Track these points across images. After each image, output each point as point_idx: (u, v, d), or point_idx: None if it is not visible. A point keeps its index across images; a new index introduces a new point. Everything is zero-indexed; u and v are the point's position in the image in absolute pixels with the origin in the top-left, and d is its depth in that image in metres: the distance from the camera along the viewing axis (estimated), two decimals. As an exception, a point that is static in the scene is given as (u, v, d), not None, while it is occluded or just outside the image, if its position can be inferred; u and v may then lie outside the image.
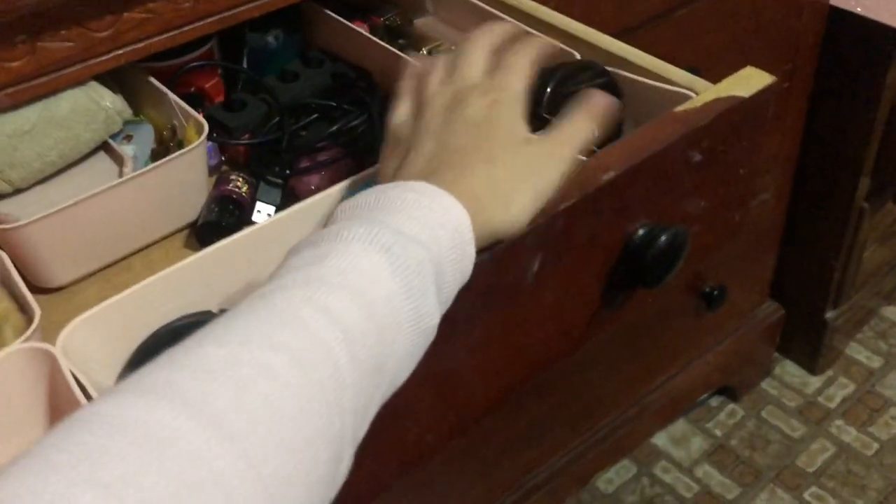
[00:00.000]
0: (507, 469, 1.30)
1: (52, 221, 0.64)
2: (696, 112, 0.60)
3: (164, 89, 0.74)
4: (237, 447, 0.34)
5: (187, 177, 0.70)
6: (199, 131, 0.70)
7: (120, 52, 0.69)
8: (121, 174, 0.73)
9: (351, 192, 0.64)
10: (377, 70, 0.81)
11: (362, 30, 0.83)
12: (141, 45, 0.69)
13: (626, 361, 1.39)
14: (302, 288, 0.42)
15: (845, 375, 1.73)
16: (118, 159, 0.75)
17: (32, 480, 0.31)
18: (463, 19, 0.83)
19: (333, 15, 0.84)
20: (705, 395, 1.66)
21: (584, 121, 0.55)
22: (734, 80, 0.63)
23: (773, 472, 1.58)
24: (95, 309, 0.56)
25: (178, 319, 0.58)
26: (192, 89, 0.81)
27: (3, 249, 0.64)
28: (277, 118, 0.77)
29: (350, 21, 0.84)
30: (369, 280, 0.43)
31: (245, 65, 0.85)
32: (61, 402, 0.54)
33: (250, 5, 0.74)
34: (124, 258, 0.71)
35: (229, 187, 0.72)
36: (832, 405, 1.68)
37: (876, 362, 1.74)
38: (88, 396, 0.52)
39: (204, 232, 0.71)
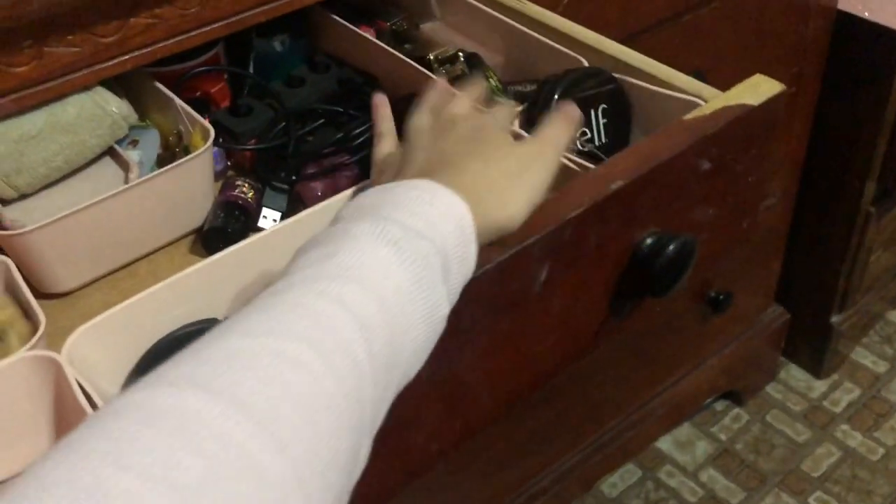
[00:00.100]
0: (512, 473, 1.30)
1: (58, 227, 0.64)
2: (704, 120, 0.60)
3: (171, 94, 0.74)
4: (266, 431, 0.35)
5: (193, 182, 0.70)
6: (206, 137, 0.70)
7: (126, 57, 0.68)
8: (126, 179, 0.73)
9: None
10: (384, 75, 0.81)
11: (369, 35, 0.83)
12: (147, 50, 0.69)
13: (631, 366, 1.39)
14: (315, 283, 0.42)
15: (851, 380, 1.72)
16: (124, 164, 0.74)
17: (70, 467, 0.31)
18: (469, 24, 0.83)
19: (340, 20, 0.83)
20: (710, 400, 1.66)
21: (563, 126, 0.57)
22: (743, 87, 0.62)
23: (778, 476, 1.57)
24: (100, 317, 0.56)
25: (184, 327, 0.58)
26: (199, 94, 0.80)
27: (8, 255, 0.64)
28: (283, 123, 0.77)
29: (356, 26, 0.83)
30: (380, 274, 0.44)
31: (251, 70, 0.84)
32: (66, 409, 0.54)
33: (257, 10, 0.73)
34: (130, 264, 0.71)
35: (235, 193, 0.71)
36: (837, 410, 1.67)
37: (881, 367, 1.74)
38: (93, 404, 0.51)
39: (209, 237, 0.70)
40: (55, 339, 0.57)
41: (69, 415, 0.54)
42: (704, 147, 0.59)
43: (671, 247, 0.58)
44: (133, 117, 0.74)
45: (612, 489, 1.57)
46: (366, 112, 0.77)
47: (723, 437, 1.64)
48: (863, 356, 1.76)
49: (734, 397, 1.68)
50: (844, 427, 1.64)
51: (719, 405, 1.69)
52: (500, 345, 0.57)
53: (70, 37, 0.65)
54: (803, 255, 1.58)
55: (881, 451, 1.60)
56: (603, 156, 0.65)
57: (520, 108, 0.65)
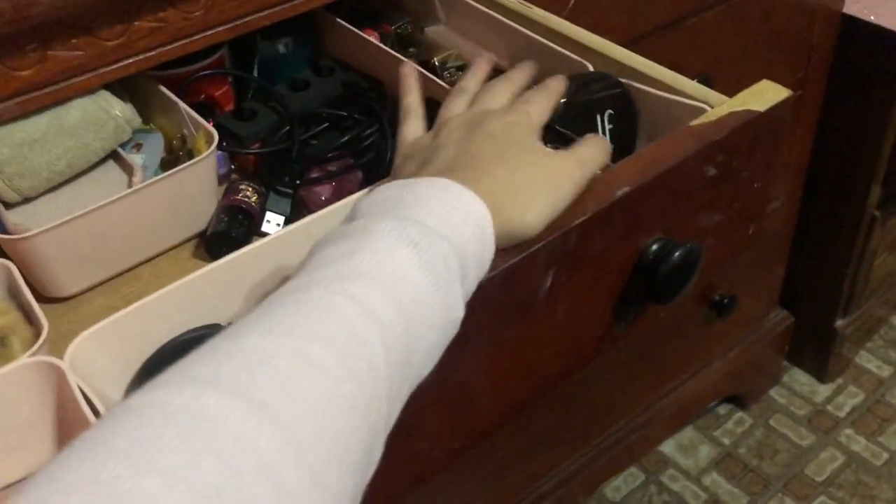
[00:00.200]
0: (515, 477, 1.30)
1: (61, 231, 0.63)
2: (710, 126, 0.59)
3: (175, 98, 0.74)
4: (285, 433, 0.35)
5: (197, 187, 0.70)
6: (209, 141, 0.69)
7: (130, 60, 0.68)
8: (130, 183, 0.73)
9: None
10: (388, 79, 0.80)
11: (373, 38, 0.83)
12: (151, 53, 0.69)
13: (634, 369, 1.38)
14: (336, 282, 0.42)
15: (855, 384, 1.72)
16: (127, 168, 0.74)
17: (90, 468, 0.32)
18: (474, 28, 0.82)
19: (344, 24, 0.83)
20: (713, 403, 1.65)
21: (599, 150, 0.57)
22: (749, 93, 0.62)
23: (782, 481, 1.57)
24: (103, 322, 0.55)
25: (187, 333, 0.58)
26: (203, 97, 0.80)
27: (11, 259, 0.63)
28: (288, 127, 0.77)
29: (361, 30, 0.83)
30: (399, 274, 0.44)
31: (256, 73, 0.84)
32: (69, 415, 0.54)
33: (261, 14, 0.73)
34: (133, 268, 0.71)
35: (239, 197, 0.71)
36: (841, 414, 1.67)
37: (886, 371, 1.73)
38: (96, 411, 0.51)
39: (213, 242, 0.70)
40: (58, 344, 0.57)
41: (72, 421, 0.53)
42: (710, 153, 0.59)
43: (677, 253, 0.58)
44: (137, 121, 0.74)
45: (615, 493, 1.57)
46: (371, 116, 0.77)
47: (726, 441, 1.64)
48: (867, 360, 1.75)
49: (738, 401, 1.68)
50: (848, 431, 1.64)
51: (723, 409, 1.69)
52: (504, 351, 0.57)
53: (74, 40, 0.64)
54: (808, 259, 1.57)
55: (885, 455, 1.59)
56: (609, 162, 0.65)
57: (562, 99, 0.63)
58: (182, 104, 0.73)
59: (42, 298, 0.67)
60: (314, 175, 0.73)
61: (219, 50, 0.81)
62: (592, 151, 0.56)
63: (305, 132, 0.77)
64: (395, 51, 0.81)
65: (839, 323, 1.63)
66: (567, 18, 0.76)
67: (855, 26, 1.29)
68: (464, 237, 0.47)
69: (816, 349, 1.69)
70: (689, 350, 1.48)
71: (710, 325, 1.44)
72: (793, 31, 1.24)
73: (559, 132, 0.61)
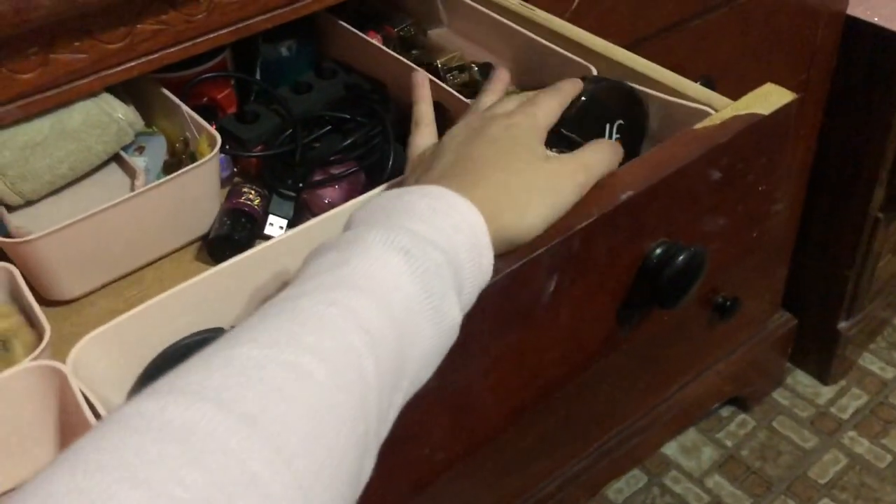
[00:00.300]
0: (517, 479, 1.30)
1: (64, 235, 0.63)
2: (715, 130, 0.59)
3: (177, 101, 0.74)
4: (272, 445, 0.35)
5: (199, 190, 0.70)
6: (212, 144, 0.69)
7: (132, 63, 0.68)
8: (132, 186, 0.72)
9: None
10: (391, 81, 0.80)
11: (376, 41, 0.83)
12: (154, 56, 0.69)
13: (637, 372, 1.38)
14: (326, 292, 0.42)
15: (858, 386, 1.71)
16: (130, 171, 0.74)
17: (76, 480, 0.31)
18: (477, 30, 0.82)
19: (347, 26, 0.83)
20: (716, 405, 1.65)
21: (605, 155, 0.56)
22: (753, 96, 0.62)
23: (785, 483, 1.57)
24: (105, 326, 0.55)
25: (189, 337, 0.58)
26: (205, 100, 0.80)
27: (13, 263, 0.63)
28: (290, 130, 0.77)
29: (364, 32, 0.83)
30: (389, 283, 0.44)
31: (258, 76, 0.84)
32: (71, 419, 0.54)
33: (263, 17, 0.73)
34: (135, 271, 0.71)
35: (241, 200, 0.71)
36: (845, 416, 1.66)
37: (889, 373, 1.73)
38: (98, 415, 0.51)
39: (215, 245, 0.70)
40: (60, 347, 0.57)
41: (74, 425, 0.53)
42: (715, 157, 0.59)
43: (681, 257, 0.58)
44: (139, 124, 0.74)
45: (617, 495, 1.56)
46: (373, 118, 0.76)
47: (729, 443, 1.63)
48: (870, 362, 1.75)
49: (740, 403, 1.68)
50: (852, 433, 1.63)
51: (725, 411, 1.68)
52: (506, 356, 0.56)
53: (76, 43, 0.64)
54: (811, 261, 1.57)
55: (889, 457, 1.59)
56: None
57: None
58: (185, 107, 0.73)
59: (44, 302, 0.67)
60: (317, 178, 0.73)
61: (221, 52, 0.81)
62: (599, 156, 0.56)
63: (308, 135, 0.76)
64: (398, 53, 0.80)
65: (842, 325, 1.62)
66: (570, 21, 0.76)
67: (858, 28, 1.29)
68: (457, 245, 0.47)
69: (819, 351, 1.68)
70: (692, 352, 1.47)
71: (713, 327, 1.44)
72: (796, 33, 1.23)
73: (567, 137, 0.61)
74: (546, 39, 0.74)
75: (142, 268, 0.71)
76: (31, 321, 0.60)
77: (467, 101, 0.69)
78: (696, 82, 0.66)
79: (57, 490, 0.31)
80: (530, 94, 0.61)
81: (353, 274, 0.43)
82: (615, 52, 0.70)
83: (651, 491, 1.57)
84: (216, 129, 0.71)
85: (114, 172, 0.75)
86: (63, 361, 0.53)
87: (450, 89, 0.73)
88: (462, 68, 0.80)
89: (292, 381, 0.37)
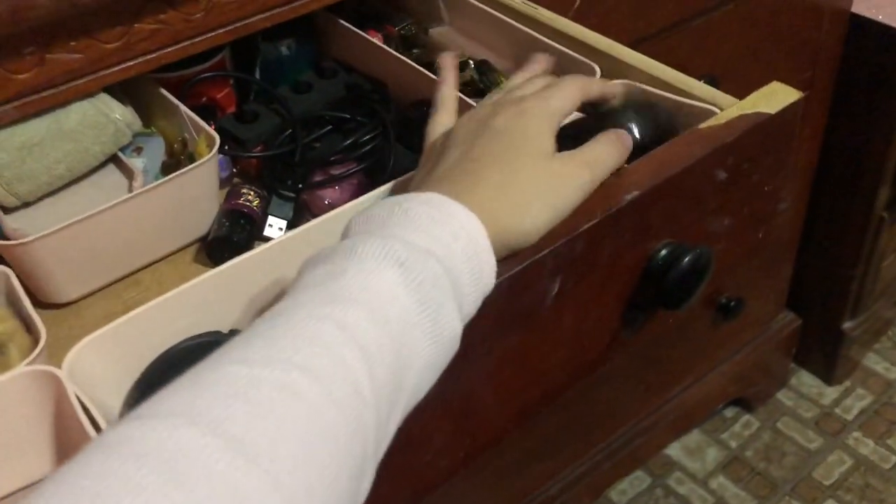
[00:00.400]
0: (520, 481, 1.29)
1: (60, 237, 0.62)
2: (720, 129, 0.58)
3: (175, 101, 0.73)
4: (261, 468, 0.34)
5: (198, 191, 0.69)
6: (211, 144, 0.68)
7: (130, 63, 0.67)
8: (130, 187, 0.72)
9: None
10: (392, 81, 0.79)
11: (377, 40, 0.82)
12: (151, 56, 0.68)
13: (641, 372, 1.37)
14: (319, 306, 0.41)
15: (863, 386, 1.70)
16: (128, 172, 0.73)
17: None
18: (479, 29, 0.81)
19: (347, 25, 0.82)
20: (720, 406, 1.64)
21: (611, 150, 0.54)
22: (759, 95, 0.61)
23: (789, 484, 1.56)
24: (102, 330, 0.54)
25: (187, 340, 0.57)
26: (204, 100, 0.79)
27: (9, 265, 0.63)
28: (290, 130, 0.76)
29: (364, 31, 0.82)
30: (385, 296, 0.42)
31: (258, 75, 0.83)
32: (67, 424, 0.53)
33: (263, 15, 0.72)
34: (133, 273, 0.70)
35: (240, 201, 0.70)
36: (849, 417, 1.65)
37: (894, 373, 1.72)
38: (94, 420, 0.50)
39: (214, 247, 0.69)
40: (57, 351, 0.56)
41: (70, 430, 0.53)
42: (720, 156, 0.58)
43: (686, 258, 0.57)
44: (137, 124, 0.73)
45: (621, 496, 1.56)
46: (374, 118, 0.76)
47: (733, 444, 1.63)
48: (875, 362, 1.74)
49: (744, 404, 1.67)
50: (856, 434, 1.63)
51: (729, 412, 1.67)
52: (509, 360, 0.56)
53: (73, 43, 0.64)
54: (815, 261, 1.56)
55: (894, 458, 1.58)
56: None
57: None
58: (183, 107, 0.72)
59: (41, 305, 0.66)
60: (317, 178, 0.72)
61: (220, 52, 0.80)
62: (607, 151, 0.54)
63: (308, 135, 0.76)
64: (399, 52, 0.80)
65: (847, 325, 1.61)
66: (573, 19, 0.75)
67: (862, 26, 1.28)
68: (455, 254, 0.45)
69: (824, 351, 1.67)
70: (696, 353, 1.47)
71: (717, 327, 1.43)
72: (800, 31, 1.23)
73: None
74: (549, 38, 0.73)
75: (140, 270, 0.70)
76: (28, 325, 0.60)
77: (469, 100, 0.69)
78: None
79: None
80: (557, 78, 0.59)
81: (346, 287, 0.42)
82: (619, 51, 0.70)
83: (654, 492, 1.56)
84: (215, 129, 0.70)
85: (111, 173, 0.75)
86: (59, 366, 0.53)
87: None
88: (464, 67, 0.79)
89: (282, 400, 0.36)
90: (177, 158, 0.73)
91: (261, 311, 0.60)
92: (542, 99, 0.54)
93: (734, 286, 1.38)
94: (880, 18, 1.26)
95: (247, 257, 0.60)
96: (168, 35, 0.68)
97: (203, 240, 0.72)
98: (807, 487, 1.55)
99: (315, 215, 0.70)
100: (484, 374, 0.55)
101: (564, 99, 0.55)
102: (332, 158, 0.73)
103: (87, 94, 0.68)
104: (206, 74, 0.79)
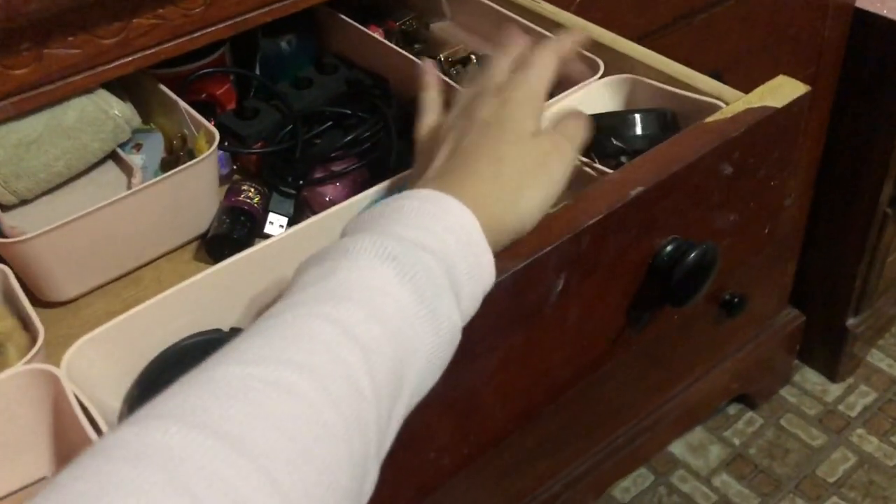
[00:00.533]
0: (523, 479, 1.28)
1: (59, 234, 0.62)
2: (726, 123, 0.58)
3: (175, 97, 0.72)
4: (259, 467, 0.34)
5: (198, 188, 0.68)
6: (210, 141, 0.68)
7: (129, 59, 0.67)
8: (129, 184, 0.71)
9: (367, 205, 0.62)
10: (393, 76, 0.79)
11: (378, 35, 0.81)
12: (150, 51, 0.67)
13: (643, 370, 1.37)
14: (314, 305, 0.41)
15: (866, 383, 1.70)
16: (127, 169, 0.73)
17: None
18: (480, 23, 0.81)
19: (348, 20, 0.82)
20: (723, 403, 1.63)
21: (582, 123, 0.55)
22: (765, 89, 0.60)
23: (793, 481, 1.55)
24: (100, 329, 0.54)
25: (187, 338, 0.57)
26: (203, 96, 0.79)
27: (7, 263, 0.62)
28: (290, 126, 0.75)
29: (365, 26, 0.82)
30: (380, 291, 0.42)
31: (257, 71, 0.83)
32: (65, 424, 0.52)
33: (262, 10, 0.71)
34: (133, 271, 0.69)
35: (241, 198, 0.70)
36: (853, 414, 1.65)
37: (898, 370, 1.72)
38: (92, 419, 0.50)
39: (214, 244, 0.69)
40: (56, 349, 0.55)
41: (68, 429, 0.52)
42: (726, 151, 0.57)
43: (692, 254, 0.56)
44: (136, 120, 0.72)
45: (624, 494, 1.55)
46: (375, 114, 0.75)
47: (736, 441, 1.62)
48: (879, 359, 1.73)
49: (748, 401, 1.66)
50: (860, 431, 1.62)
51: (732, 409, 1.67)
52: (513, 358, 0.55)
53: (70, 38, 0.63)
54: (819, 257, 1.56)
55: (898, 456, 1.58)
56: (623, 159, 0.63)
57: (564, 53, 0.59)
58: (182, 103, 0.72)
59: (40, 303, 0.66)
60: (318, 175, 0.72)
61: (220, 47, 0.79)
62: (577, 126, 0.55)
63: (309, 131, 0.75)
64: (400, 47, 0.79)
65: (850, 321, 1.61)
66: (575, 14, 0.75)
67: (867, 20, 1.27)
68: (448, 246, 0.45)
69: (827, 348, 1.67)
70: (699, 350, 1.46)
71: (720, 324, 1.42)
72: (804, 26, 1.22)
73: (619, 149, 0.61)
74: (552, 33, 0.72)
75: (139, 268, 0.70)
76: (26, 323, 0.59)
77: (458, 86, 0.68)
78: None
79: None
80: (507, 49, 0.59)
81: (341, 284, 0.42)
82: (623, 45, 0.69)
83: (658, 490, 1.56)
84: (215, 125, 0.70)
85: (110, 170, 0.74)
86: (58, 364, 0.52)
87: (454, 84, 0.71)
88: (466, 62, 0.78)
89: (278, 399, 0.36)
90: (176, 155, 0.73)
91: (261, 309, 0.59)
92: (523, 83, 0.54)
93: (737, 283, 1.38)
94: (885, 13, 1.26)
95: (247, 254, 0.59)
96: (167, 30, 0.67)
97: (203, 237, 0.71)
98: (810, 485, 1.54)
99: (316, 212, 0.69)
100: (487, 373, 0.54)
101: (543, 73, 0.55)
102: (333, 154, 0.73)
103: (86, 90, 0.67)
104: (205, 70, 0.78)
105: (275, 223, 0.71)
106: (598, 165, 0.62)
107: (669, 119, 0.63)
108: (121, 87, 0.72)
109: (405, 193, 0.48)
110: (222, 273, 0.58)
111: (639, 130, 0.63)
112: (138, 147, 0.74)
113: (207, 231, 0.70)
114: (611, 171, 0.59)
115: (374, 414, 0.39)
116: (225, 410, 0.35)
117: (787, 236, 1.48)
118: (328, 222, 0.61)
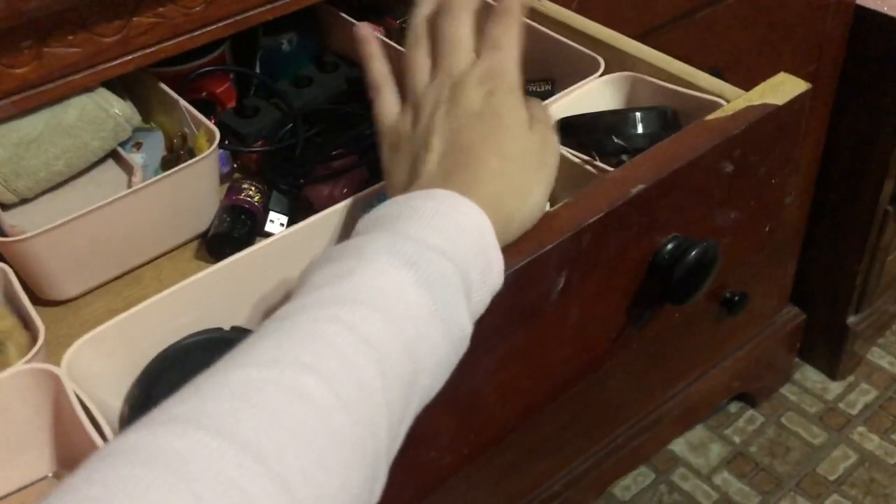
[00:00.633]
0: (523, 477, 1.28)
1: (59, 233, 0.62)
2: (727, 121, 0.58)
3: (175, 96, 0.72)
4: (270, 471, 0.34)
5: (198, 186, 0.68)
6: (211, 139, 0.68)
7: (129, 57, 0.67)
8: (130, 183, 0.71)
9: (368, 203, 0.62)
10: (393, 74, 0.78)
11: (378, 33, 0.81)
12: (151, 50, 0.67)
13: (644, 368, 1.37)
14: (328, 307, 0.41)
15: (867, 381, 1.70)
16: (127, 168, 0.73)
17: None
18: (481, 21, 0.80)
19: (348, 18, 0.82)
20: (724, 402, 1.63)
21: (541, 103, 0.56)
22: (766, 86, 0.60)
23: (794, 479, 1.55)
24: (102, 327, 0.54)
25: (188, 337, 0.56)
26: (204, 95, 0.79)
27: (8, 262, 0.62)
28: (291, 125, 0.75)
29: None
30: (396, 296, 0.42)
31: (258, 69, 0.82)
32: (66, 423, 0.52)
33: (263, 8, 0.71)
34: (133, 270, 0.69)
35: (241, 196, 0.70)
36: (853, 412, 1.65)
37: (898, 368, 1.72)
38: (93, 418, 0.50)
39: (215, 243, 0.69)
40: (56, 348, 0.55)
41: (69, 429, 0.52)
42: (727, 148, 0.57)
43: (693, 253, 0.56)
44: (136, 119, 0.72)
45: (624, 492, 1.55)
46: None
47: (737, 439, 1.62)
48: (879, 357, 1.73)
49: (748, 399, 1.66)
50: (861, 429, 1.62)
51: (733, 407, 1.67)
52: (514, 356, 0.55)
53: (71, 37, 0.63)
54: (819, 255, 1.56)
55: (899, 453, 1.57)
56: (625, 157, 0.63)
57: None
58: (183, 102, 0.72)
59: (41, 302, 0.66)
60: (318, 173, 0.72)
61: (220, 46, 0.79)
62: (541, 106, 0.55)
63: (309, 129, 0.75)
64: (400, 45, 0.79)
65: (851, 319, 1.61)
66: (576, 11, 0.75)
67: (868, 17, 1.27)
68: (464, 250, 0.45)
69: (828, 346, 1.67)
70: (700, 348, 1.46)
71: (721, 322, 1.42)
72: (804, 24, 1.22)
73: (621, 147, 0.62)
74: (552, 30, 0.72)
75: (140, 266, 0.70)
76: (26, 322, 0.59)
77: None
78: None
79: None
80: (451, 9, 0.56)
81: (355, 287, 0.42)
82: (624, 43, 0.69)
83: (658, 488, 1.55)
84: (215, 123, 0.70)
85: (110, 169, 0.74)
86: (58, 364, 0.52)
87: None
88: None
89: (290, 403, 0.36)
90: (176, 153, 0.72)
91: (262, 308, 0.60)
92: (501, 70, 0.52)
93: (738, 281, 1.38)
94: (885, 10, 1.25)
95: (248, 253, 0.59)
96: (167, 29, 0.67)
97: (203, 236, 0.71)
98: (811, 483, 1.54)
99: (317, 210, 0.69)
100: (488, 371, 0.54)
101: (515, 54, 0.53)
102: (334, 153, 0.73)
103: (86, 88, 0.67)
104: (205, 69, 0.78)
105: (275, 222, 0.70)
106: (598, 163, 0.62)
107: (670, 117, 0.63)
108: (121, 85, 0.71)
109: (417, 193, 0.47)
110: (223, 272, 0.58)
111: (639, 128, 0.63)
112: (139, 146, 0.74)
113: (208, 230, 0.70)
114: (612, 170, 0.59)
115: (386, 420, 0.39)
116: (238, 415, 0.35)
117: (787, 234, 1.47)
118: (329, 221, 0.61)
